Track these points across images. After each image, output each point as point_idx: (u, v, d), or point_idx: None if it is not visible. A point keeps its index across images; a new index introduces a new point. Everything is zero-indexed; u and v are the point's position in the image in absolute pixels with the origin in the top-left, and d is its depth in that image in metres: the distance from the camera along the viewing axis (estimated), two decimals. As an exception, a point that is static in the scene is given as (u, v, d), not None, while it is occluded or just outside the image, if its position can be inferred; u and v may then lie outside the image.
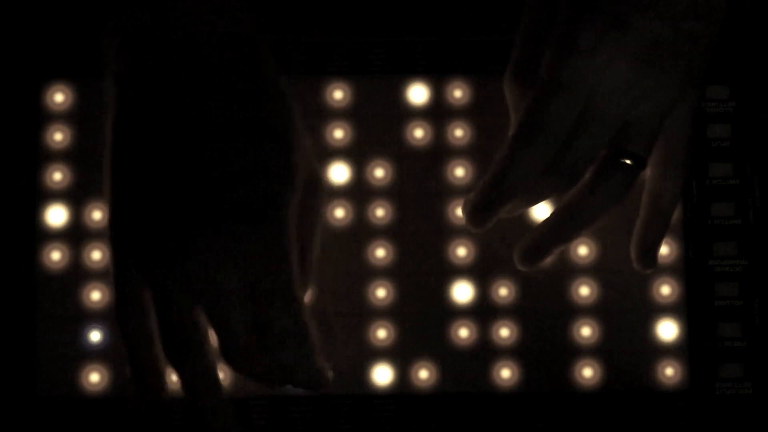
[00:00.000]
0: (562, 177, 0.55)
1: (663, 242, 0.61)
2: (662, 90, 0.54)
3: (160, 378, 0.55)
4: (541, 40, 0.55)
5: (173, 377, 0.55)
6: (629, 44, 0.53)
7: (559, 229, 0.57)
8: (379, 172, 0.63)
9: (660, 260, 0.62)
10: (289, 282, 0.53)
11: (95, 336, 0.62)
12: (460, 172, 0.63)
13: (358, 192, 0.63)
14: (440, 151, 0.63)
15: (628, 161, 0.55)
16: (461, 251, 0.63)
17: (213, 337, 0.54)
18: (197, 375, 0.54)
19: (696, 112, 0.58)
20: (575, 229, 0.57)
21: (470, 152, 0.63)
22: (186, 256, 0.51)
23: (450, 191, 0.63)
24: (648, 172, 0.59)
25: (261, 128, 0.53)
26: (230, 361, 0.53)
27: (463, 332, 0.62)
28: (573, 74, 0.53)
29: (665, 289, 0.62)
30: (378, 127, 0.64)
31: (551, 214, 0.58)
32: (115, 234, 0.54)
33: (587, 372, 0.62)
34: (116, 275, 0.54)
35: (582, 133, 0.54)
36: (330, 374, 0.55)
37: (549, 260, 0.60)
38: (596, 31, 0.53)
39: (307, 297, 0.59)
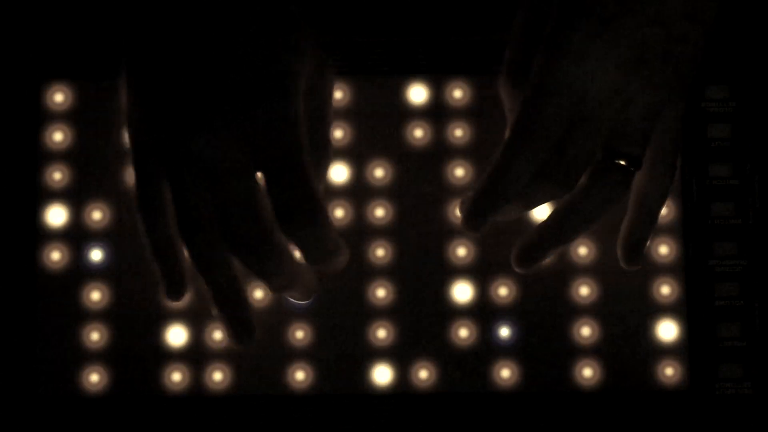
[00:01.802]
0: (556, 182, 0.55)
1: (664, 243, 0.62)
2: (652, 92, 0.54)
3: (182, 271, 0.55)
4: (534, 42, 0.55)
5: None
6: (618, 47, 0.53)
7: (557, 231, 0.57)
8: (379, 172, 0.63)
9: (660, 260, 0.62)
10: (299, 154, 0.53)
11: (95, 335, 0.62)
12: (459, 172, 0.63)
13: (358, 192, 0.63)
14: (440, 151, 0.63)
15: (622, 162, 0.55)
16: (461, 251, 0.63)
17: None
18: (211, 254, 0.54)
19: (685, 113, 0.58)
20: (573, 232, 0.57)
21: (470, 152, 0.63)
22: (194, 133, 0.52)
23: (450, 191, 0.63)
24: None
25: (267, 10, 0.54)
26: (230, 239, 0.53)
27: (463, 332, 0.62)
28: (562, 78, 0.53)
29: (665, 289, 0.62)
30: (378, 127, 0.64)
31: (549, 217, 0.58)
32: (132, 129, 0.55)
33: (587, 372, 0.62)
34: (136, 171, 0.55)
35: (575, 138, 0.54)
36: (346, 253, 0.56)
37: (547, 261, 0.59)
38: (585, 34, 0.53)
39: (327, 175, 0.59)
